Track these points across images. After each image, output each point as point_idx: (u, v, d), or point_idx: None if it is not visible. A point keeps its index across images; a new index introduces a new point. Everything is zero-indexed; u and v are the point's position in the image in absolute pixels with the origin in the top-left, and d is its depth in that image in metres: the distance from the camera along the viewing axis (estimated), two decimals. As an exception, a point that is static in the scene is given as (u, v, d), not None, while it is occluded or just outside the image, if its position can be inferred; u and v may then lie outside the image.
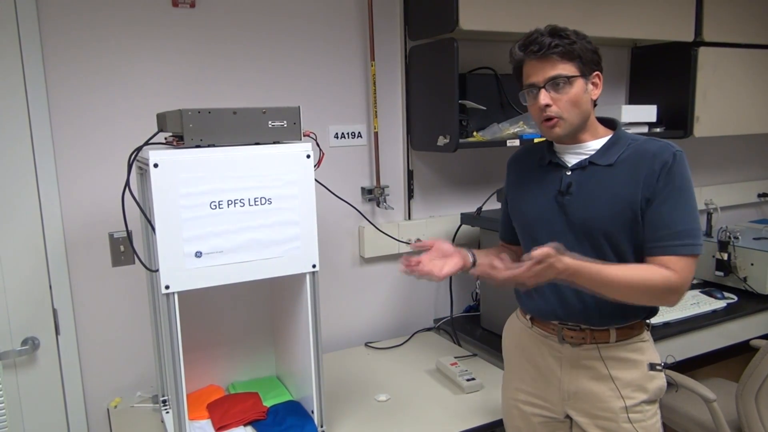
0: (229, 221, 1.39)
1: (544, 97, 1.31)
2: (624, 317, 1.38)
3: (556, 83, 1.31)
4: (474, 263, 1.51)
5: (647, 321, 1.45)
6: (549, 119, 1.33)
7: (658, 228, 1.30)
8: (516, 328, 1.56)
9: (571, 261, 1.22)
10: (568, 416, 1.45)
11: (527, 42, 1.32)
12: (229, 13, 1.96)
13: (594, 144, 1.38)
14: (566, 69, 1.31)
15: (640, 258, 1.35)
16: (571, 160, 1.40)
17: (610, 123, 1.43)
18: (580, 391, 1.41)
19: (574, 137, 1.38)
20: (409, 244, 2.32)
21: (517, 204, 1.52)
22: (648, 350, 1.42)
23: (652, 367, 1.40)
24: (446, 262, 1.46)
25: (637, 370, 1.39)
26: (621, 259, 1.35)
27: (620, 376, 1.38)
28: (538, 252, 1.17)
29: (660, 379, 1.41)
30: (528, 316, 1.51)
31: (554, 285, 1.41)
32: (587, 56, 1.33)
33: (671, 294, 1.30)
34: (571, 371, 1.42)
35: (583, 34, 1.34)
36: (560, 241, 1.38)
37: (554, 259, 1.19)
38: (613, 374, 1.38)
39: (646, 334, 1.43)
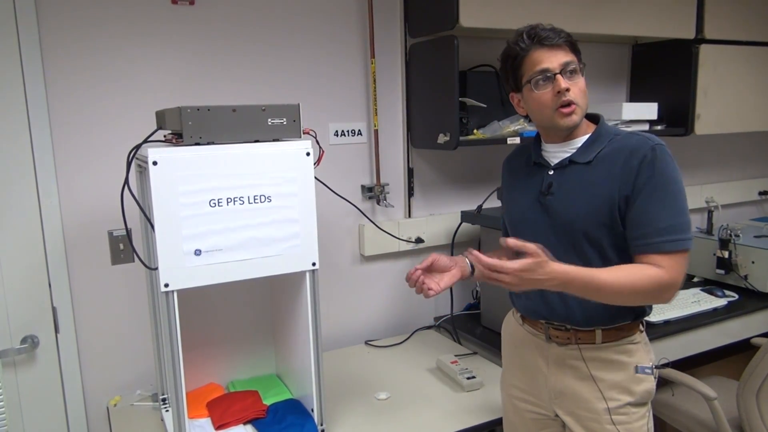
0: (228, 219, 1.38)
1: (564, 81, 1.28)
2: (610, 319, 1.37)
3: (570, 70, 1.30)
4: (473, 271, 1.51)
5: (641, 322, 1.43)
6: (567, 105, 1.30)
7: (641, 225, 1.28)
8: (511, 326, 1.57)
9: (559, 268, 1.20)
10: (558, 414, 1.45)
11: (533, 33, 1.30)
12: (228, 11, 1.95)
13: (577, 141, 1.37)
14: (574, 59, 1.31)
15: (623, 258, 1.33)
16: (555, 159, 1.39)
17: (595, 119, 1.41)
18: (566, 390, 1.41)
19: (566, 134, 1.37)
20: (410, 241, 2.32)
21: (508, 205, 1.53)
22: (638, 352, 1.40)
23: (640, 369, 1.38)
24: (443, 276, 1.45)
25: (623, 372, 1.37)
26: (604, 259, 1.33)
27: (604, 378, 1.37)
28: (532, 246, 1.17)
29: (648, 382, 1.39)
30: (519, 314, 1.52)
31: None
32: (579, 52, 1.34)
33: (663, 292, 1.28)
34: (557, 370, 1.42)
35: None
36: (543, 243, 1.37)
37: (541, 259, 1.17)
38: (597, 375, 1.37)
39: (638, 336, 1.41)
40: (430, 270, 1.45)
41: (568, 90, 1.29)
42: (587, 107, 1.35)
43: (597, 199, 1.31)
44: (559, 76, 1.29)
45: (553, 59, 1.29)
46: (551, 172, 1.39)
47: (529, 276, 1.18)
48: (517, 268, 1.17)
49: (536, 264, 1.17)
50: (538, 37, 1.29)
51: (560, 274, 1.20)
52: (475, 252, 1.21)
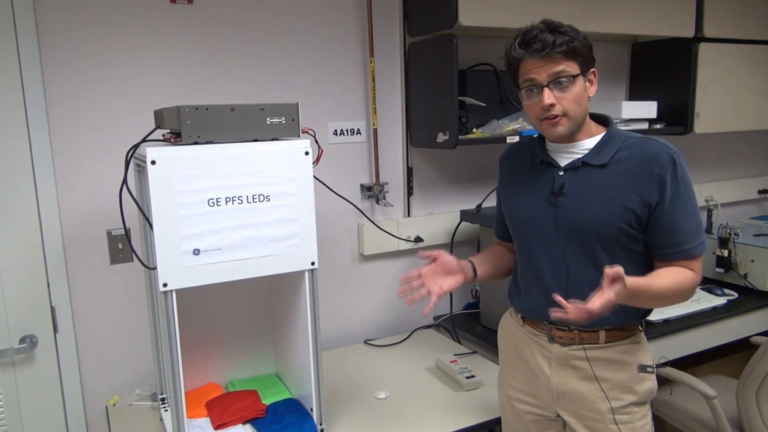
0: (227, 218, 1.38)
1: (548, 96, 1.27)
2: (615, 320, 1.36)
3: (559, 82, 1.27)
4: (475, 275, 1.50)
5: (641, 321, 1.43)
6: (551, 117, 1.29)
7: (674, 234, 1.30)
8: (509, 326, 1.55)
9: (631, 284, 1.16)
10: (559, 415, 1.44)
11: (527, 39, 1.27)
12: (227, 10, 1.95)
13: (588, 143, 1.35)
14: (569, 67, 1.27)
15: (632, 261, 1.34)
16: (564, 159, 1.38)
17: (602, 120, 1.40)
18: (569, 391, 1.40)
19: (570, 136, 1.35)
20: (409, 240, 2.32)
21: (509, 203, 1.50)
22: (639, 352, 1.40)
23: (643, 368, 1.38)
24: (446, 279, 1.43)
25: (626, 371, 1.37)
26: (615, 260, 1.32)
27: (608, 378, 1.37)
28: (614, 271, 1.12)
29: (650, 381, 1.39)
30: (519, 315, 1.51)
31: (544, 287, 1.41)
32: (585, 53, 1.30)
33: (694, 292, 1.35)
34: (560, 371, 1.41)
35: (577, 29, 1.31)
36: (553, 242, 1.38)
37: (624, 278, 1.14)
38: (601, 375, 1.37)
39: (639, 336, 1.41)
40: (434, 266, 1.43)
41: (552, 105, 1.27)
42: (584, 113, 1.33)
43: (614, 202, 1.30)
44: (546, 90, 1.27)
45: (542, 71, 1.27)
46: (562, 173, 1.37)
47: (621, 289, 1.14)
48: (599, 310, 1.12)
49: (622, 292, 1.14)
50: (529, 46, 1.26)
51: (631, 289, 1.17)
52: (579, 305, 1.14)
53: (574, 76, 1.28)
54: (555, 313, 1.15)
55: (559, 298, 1.15)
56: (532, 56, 1.27)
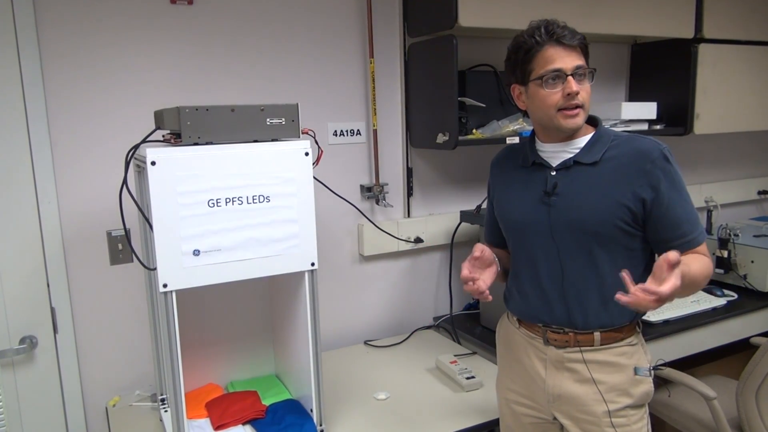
0: (227, 219, 1.38)
1: (575, 84, 1.28)
2: (609, 320, 1.36)
3: (580, 74, 1.30)
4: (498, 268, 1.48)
5: (637, 323, 1.43)
6: (571, 108, 1.30)
7: (677, 226, 1.31)
8: (506, 329, 1.55)
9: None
10: (556, 418, 1.44)
11: (551, 29, 1.29)
12: (227, 10, 1.95)
13: (579, 142, 1.37)
14: (585, 63, 1.31)
15: (631, 257, 1.34)
16: (555, 159, 1.38)
17: (591, 120, 1.41)
18: (564, 393, 1.40)
19: (570, 134, 1.36)
20: (409, 241, 2.32)
21: (502, 206, 1.50)
22: (635, 354, 1.39)
23: (639, 371, 1.38)
24: (488, 272, 1.41)
25: (622, 374, 1.37)
26: (611, 258, 1.34)
27: (604, 380, 1.37)
28: (675, 256, 1.08)
29: (646, 384, 1.39)
30: (515, 318, 1.50)
31: (539, 288, 1.41)
32: (588, 57, 1.34)
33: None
34: (555, 373, 1.41)
35: None
36: (548, 243, 1.38)
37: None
38: (597, 378, 1.37)
39: (635, 338, 1.41)
40: (476, 262, 1.39)
41: (577, 93, 1.29)
42: (589, 112, 1.35)
43: (607, 199, 1.31)
44: (570, 78, 1.28)
45: (567, 60, 1.28)
46: (554, 173, 1.37)
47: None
48: (669, 292, 1.08)
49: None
50: (556, 34, 1.28)
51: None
52: (628, 276, 1.12)
53: (589, 72, 1.32)
54: (622, 298, 1.10)
55: (626, 277, 1.11)
56: (558, 43, 1.29)
